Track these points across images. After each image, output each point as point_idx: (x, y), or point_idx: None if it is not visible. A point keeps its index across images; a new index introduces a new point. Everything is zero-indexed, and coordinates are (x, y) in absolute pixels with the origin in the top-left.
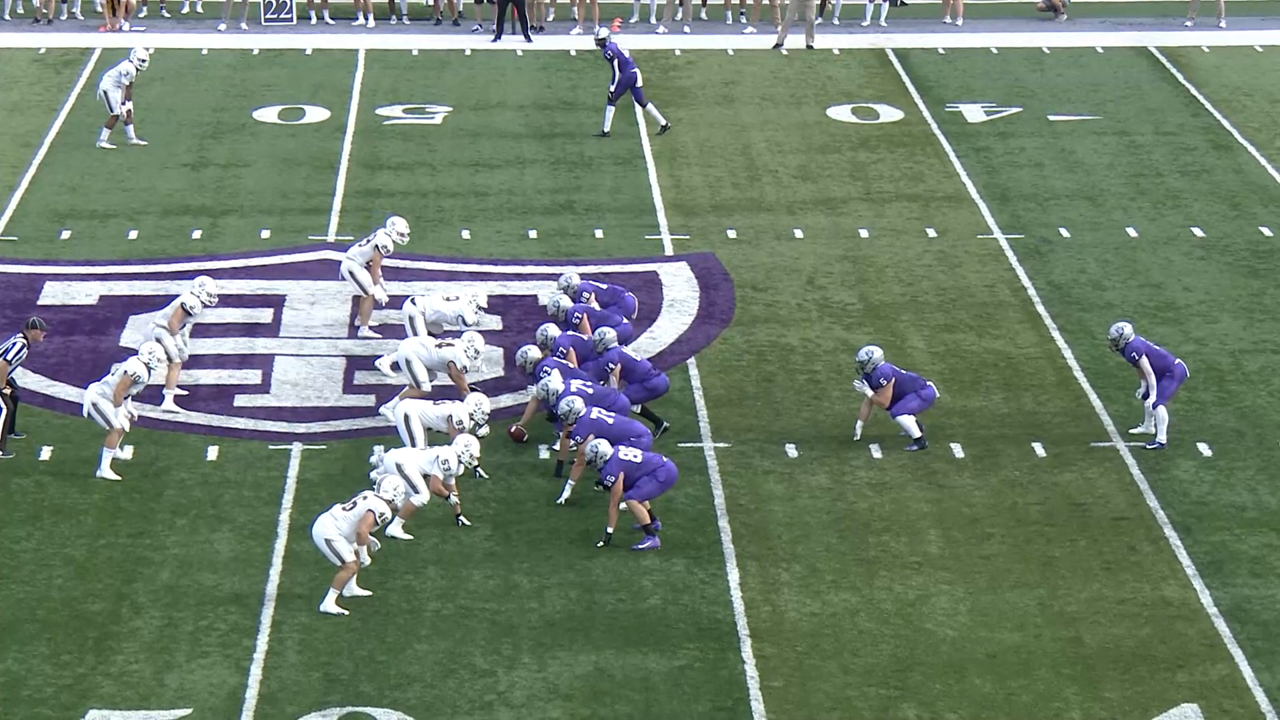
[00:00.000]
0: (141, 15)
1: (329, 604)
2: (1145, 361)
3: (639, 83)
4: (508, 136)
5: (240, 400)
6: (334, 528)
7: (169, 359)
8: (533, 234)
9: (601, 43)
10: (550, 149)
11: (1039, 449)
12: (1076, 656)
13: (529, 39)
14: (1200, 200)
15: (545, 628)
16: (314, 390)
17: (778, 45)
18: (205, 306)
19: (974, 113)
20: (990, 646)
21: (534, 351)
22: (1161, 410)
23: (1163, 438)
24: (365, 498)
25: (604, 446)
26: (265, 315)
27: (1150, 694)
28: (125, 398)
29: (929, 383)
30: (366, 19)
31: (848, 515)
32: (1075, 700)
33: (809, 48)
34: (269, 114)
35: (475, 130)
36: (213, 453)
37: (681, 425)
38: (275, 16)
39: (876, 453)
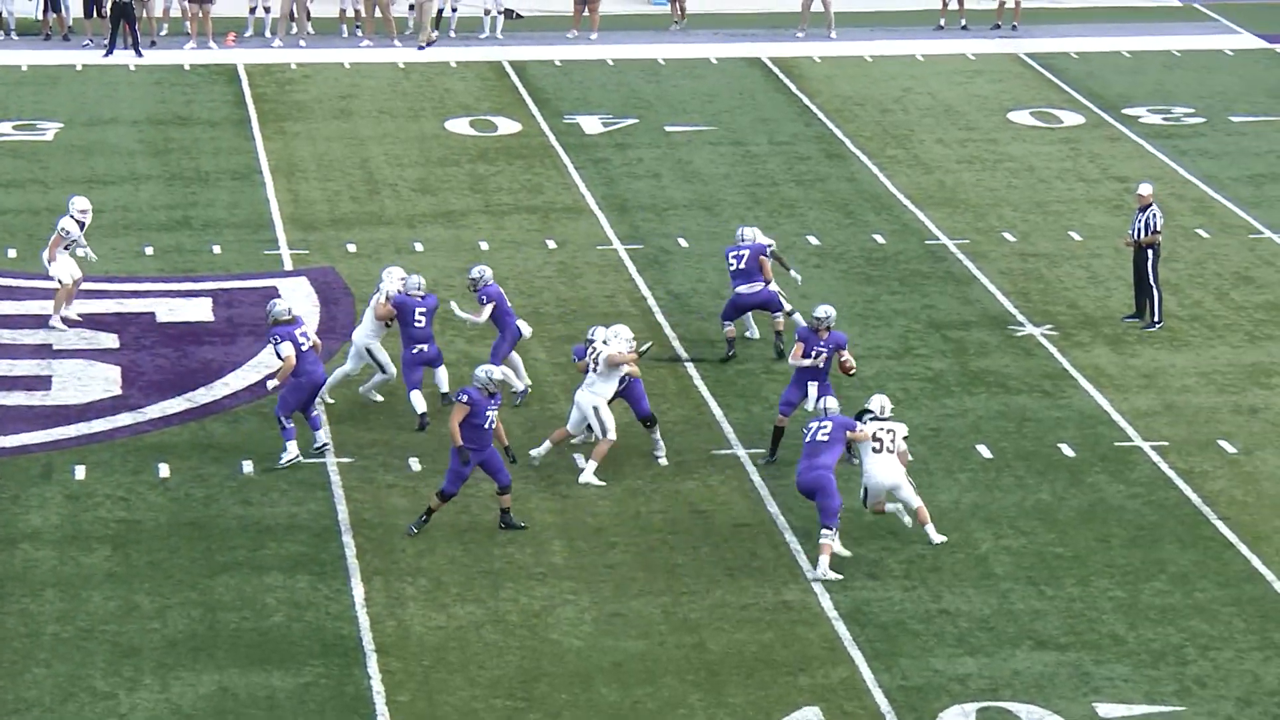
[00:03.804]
0: None
1: None
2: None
3: None
4: (121, 153)
5: None
6: None
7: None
8: (149, 250)
9: None
10: (165, 165)
11: (661, 457)
12: (700, 662)
13: (140, 54)
14: (815, 209)
15: (167, 648)
16: None
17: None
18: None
19: (591, 124)
20: (616, 655)
21: None
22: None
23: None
24: None
25: None
26: None
27: (773, 698)
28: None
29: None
30: None
31: (472, 527)
32: (700, 706)
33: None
34: None
35: (88, 146)
36: None
37: (305, 441)
38: None
39: None
